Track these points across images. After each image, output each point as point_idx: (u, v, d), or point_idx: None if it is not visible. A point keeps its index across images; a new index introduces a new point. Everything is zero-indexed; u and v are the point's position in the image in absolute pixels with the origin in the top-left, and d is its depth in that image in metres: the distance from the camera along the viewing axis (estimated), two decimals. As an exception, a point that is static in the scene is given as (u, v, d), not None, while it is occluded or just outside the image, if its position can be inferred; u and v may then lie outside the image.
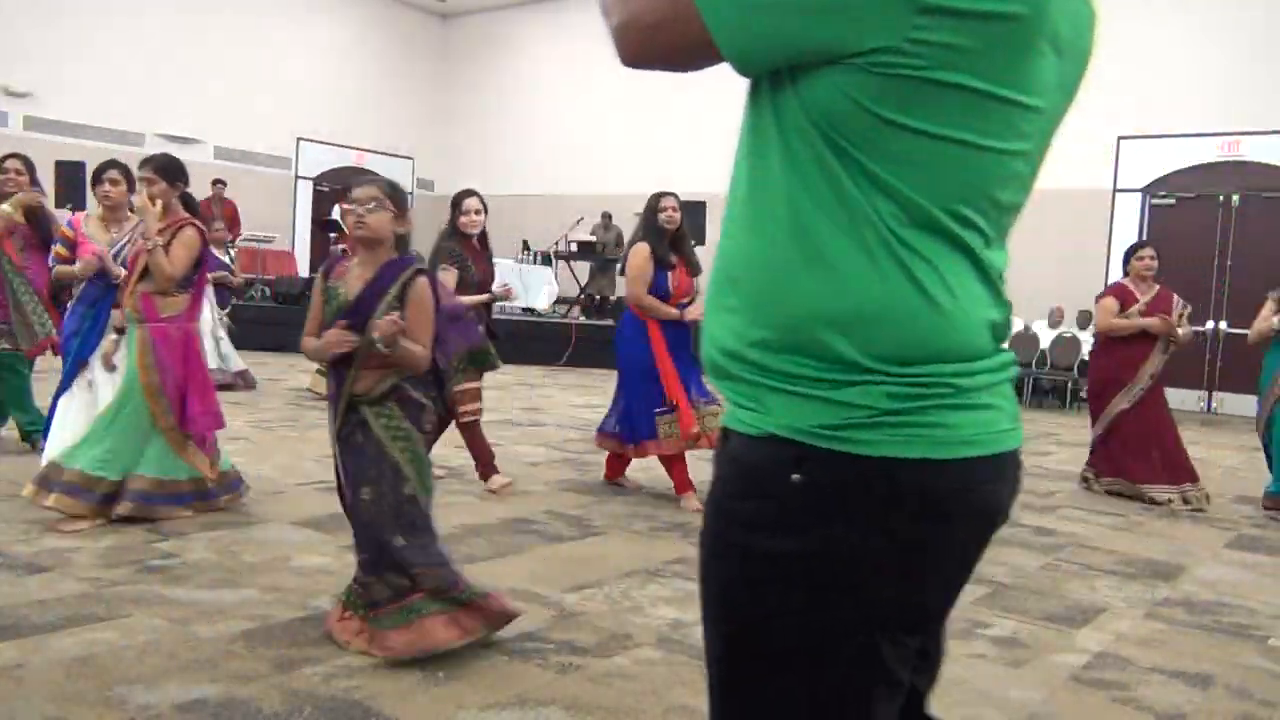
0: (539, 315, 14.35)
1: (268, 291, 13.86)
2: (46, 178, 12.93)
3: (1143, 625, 3.70)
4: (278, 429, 6.98)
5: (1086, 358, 12.00)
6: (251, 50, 16.34)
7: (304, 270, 16.21)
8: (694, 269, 5.38)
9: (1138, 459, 6.14)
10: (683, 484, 5.27)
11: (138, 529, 4.15)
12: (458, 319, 4.17)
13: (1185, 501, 5.98)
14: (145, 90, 15.16)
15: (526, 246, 14.95)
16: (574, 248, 14.60)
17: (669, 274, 5.23)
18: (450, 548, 3.14)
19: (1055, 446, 8.34)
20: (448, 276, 5.07)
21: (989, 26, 0.99)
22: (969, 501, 1.08)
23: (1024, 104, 1.05)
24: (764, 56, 1.05)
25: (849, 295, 1.04)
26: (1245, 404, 11.37)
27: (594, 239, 14.67)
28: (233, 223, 14.34)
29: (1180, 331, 6.16)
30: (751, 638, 1.12)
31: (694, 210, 13.77)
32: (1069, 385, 11.54)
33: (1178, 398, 11.56)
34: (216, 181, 14.36)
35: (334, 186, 17.58)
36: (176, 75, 15.49)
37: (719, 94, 14.89)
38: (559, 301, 14.89)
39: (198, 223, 4.52)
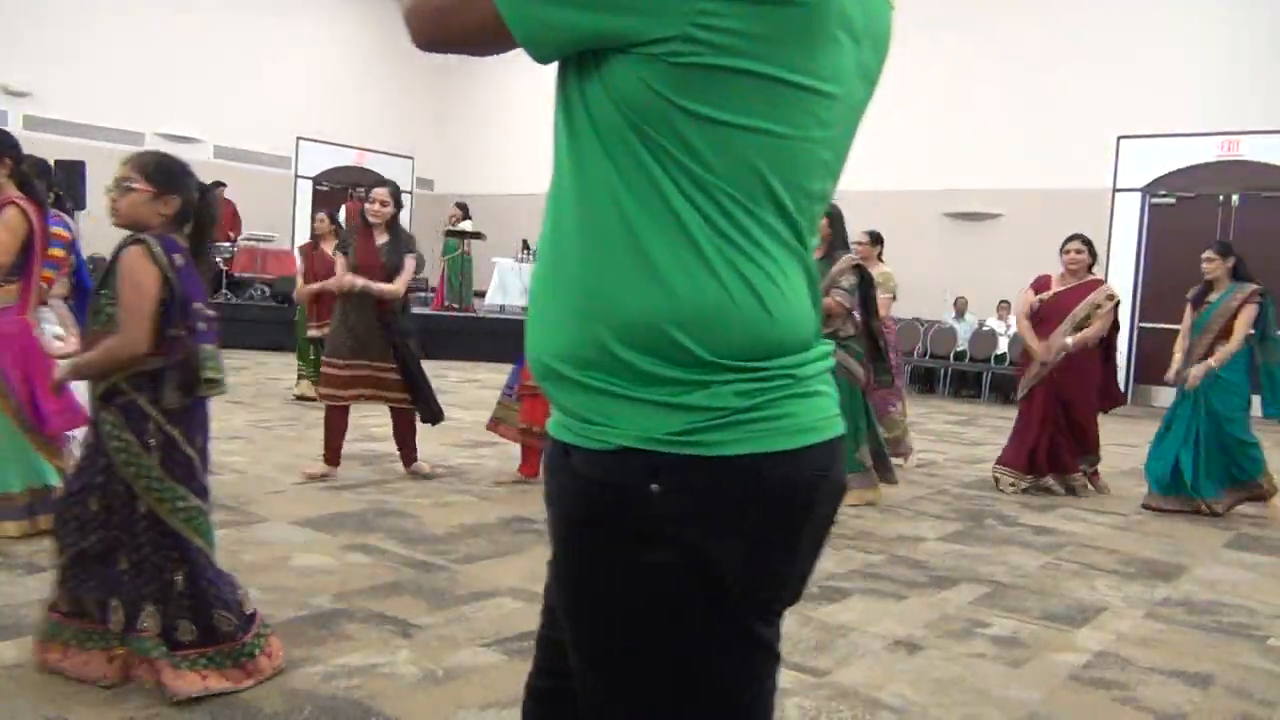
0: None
1: (267, 291, 13.86)
2: (46, 177, 12.86)
3: (1142, 625, 3.70)
4: (277, 428, 6.98)
5: None
6: (252, 50, 16.34)
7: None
8: None
9: (1018, 447, 6.22)
10: (532, 468, 5.41)
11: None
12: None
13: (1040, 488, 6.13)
14: (145, 90, 15.15)
15: (526, 246, 14.95)
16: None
17: None
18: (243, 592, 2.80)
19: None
20: (338, 261, 5.41)
21: (777, 12, 0.98)
22: (825, 484, 1.10)
23: (822, 91, 1.05)
24: (554, 43, 1.04)
25: (681, 294, 1.02)
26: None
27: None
28: (233, 222, 14.35)
29: (1049, 346, 6.10)
30: (640, 649, 1.09)
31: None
32: None
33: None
34: (216, 183, 14.34)
35: (334, 186, 17.59)
36: (176, 75, 15.49)
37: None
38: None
39: (26, 201, 4.05)
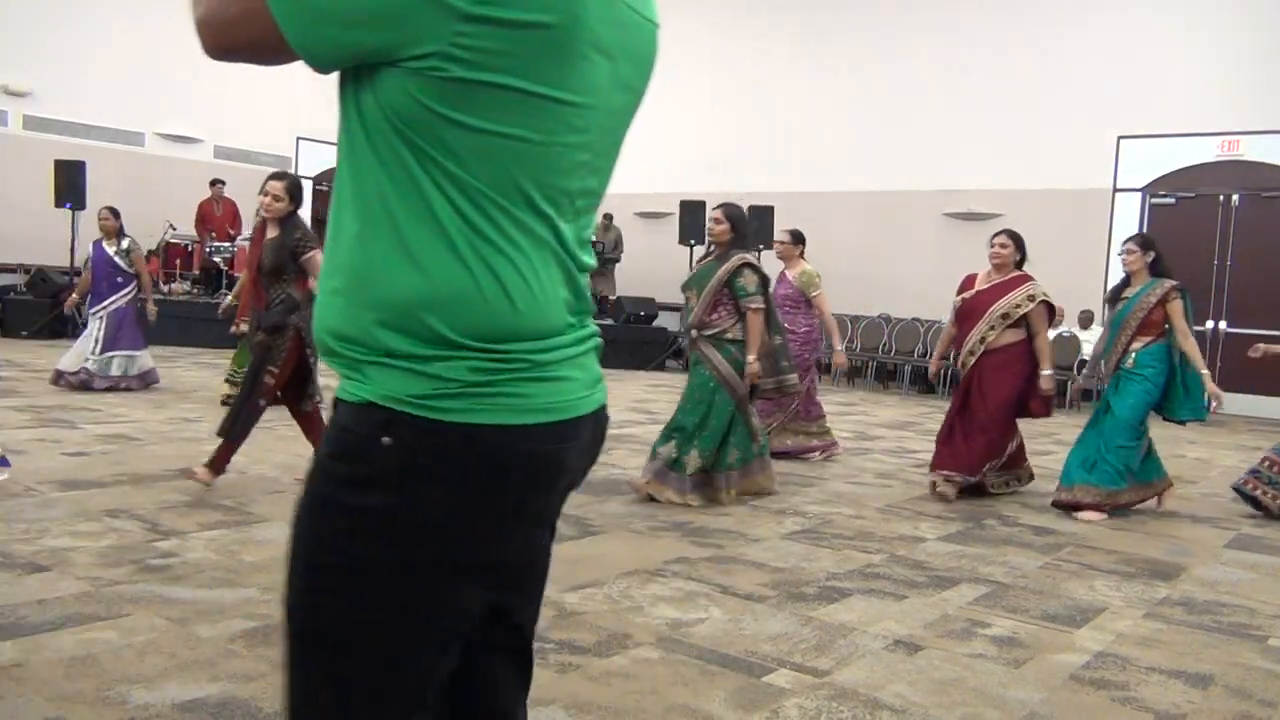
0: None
1: (267, 291, 13.84)
2: (46, 176, 12.99)
3: (1142, 625, 3.70)
4: (278, 428, 6.98)
5: (1086, 357, 12.01)
6: (251, 49, 16.33)
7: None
8: None
9: (942, 444, 6.03)
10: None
11: (137, 528, 4.15)
12: None
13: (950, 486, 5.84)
14: (145, 89, 15.15)
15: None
16: (573, 247, 14.59)
17: None
18: None
19: (1055, 446, 8.34)
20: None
21: (525, 34, 1.10)
22: (538, 461, 1.20)
23: (574, 102, 1.16)
24: (332, 56, 1.15)
25: (433, 281, 1.14)
26: (1245, 403, 11.39)
27: (594, 239, 14.66)
28: (233, 222, 14.35)
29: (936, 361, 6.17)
30: (336, 585, 1.19)
31: (694, 210, 13.83)
32: (1068, 384, 11.54)
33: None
34: (215, 181, 14.36)
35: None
36: (176, 74, 15.45)
37: (718, 95, 15.00)
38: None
39: None
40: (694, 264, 5.52)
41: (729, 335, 5.35)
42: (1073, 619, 3.72)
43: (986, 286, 6.00)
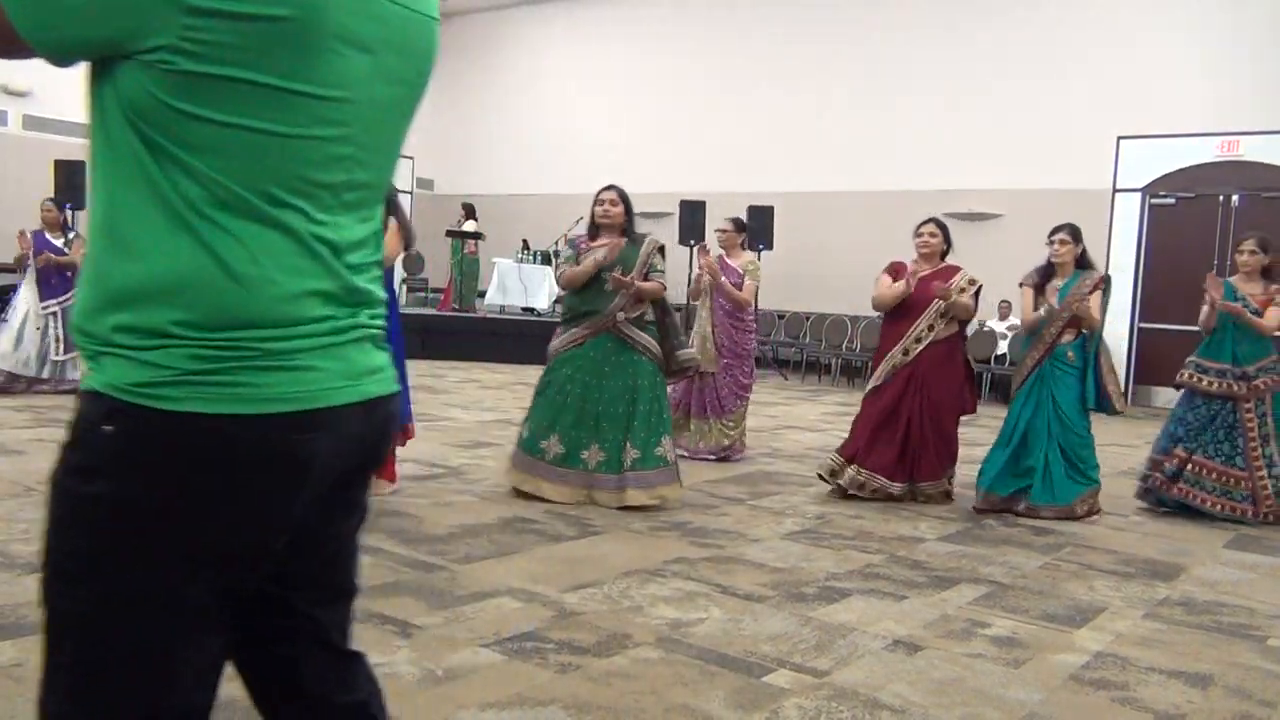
0: (538, 314, 14.36)
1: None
2: (45, 176, 12.98)
3: (1142, 625, 3.70)
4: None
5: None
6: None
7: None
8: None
9: (870, 444, 5.68)
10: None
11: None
12: None
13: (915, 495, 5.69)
14: (145, 89, 15.16)
15: (526, 246, 14.95)
16: (574, 247, 14.58)
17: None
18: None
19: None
20: None
21: (258, 27, 1.10)
22: (271, 451, 1.19)
23: (322, 95, 1.17)
24: (62, 49, 1.14)
25: (153, 271, 1.15)
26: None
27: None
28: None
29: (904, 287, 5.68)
30: (74, 570, 1.20)
31: (694, 209, 13.84)
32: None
33: (1174, 397, 11.57)
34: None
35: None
36: (176, 74, 15.49)
37: (718, 94, 14.99)
38: (558, 301, 14.88)
39: None
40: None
41: (647, 318, 5.31)
42: (1072, 619, 3.72)
43: (925, 275, 5.76)
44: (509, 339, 13.19)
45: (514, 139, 18.07)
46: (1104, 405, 5.60)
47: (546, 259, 14.90)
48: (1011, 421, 5.63)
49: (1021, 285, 5.75)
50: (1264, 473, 5.65)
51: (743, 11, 15.59)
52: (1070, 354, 5.55)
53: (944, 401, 5.70)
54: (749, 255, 7.08)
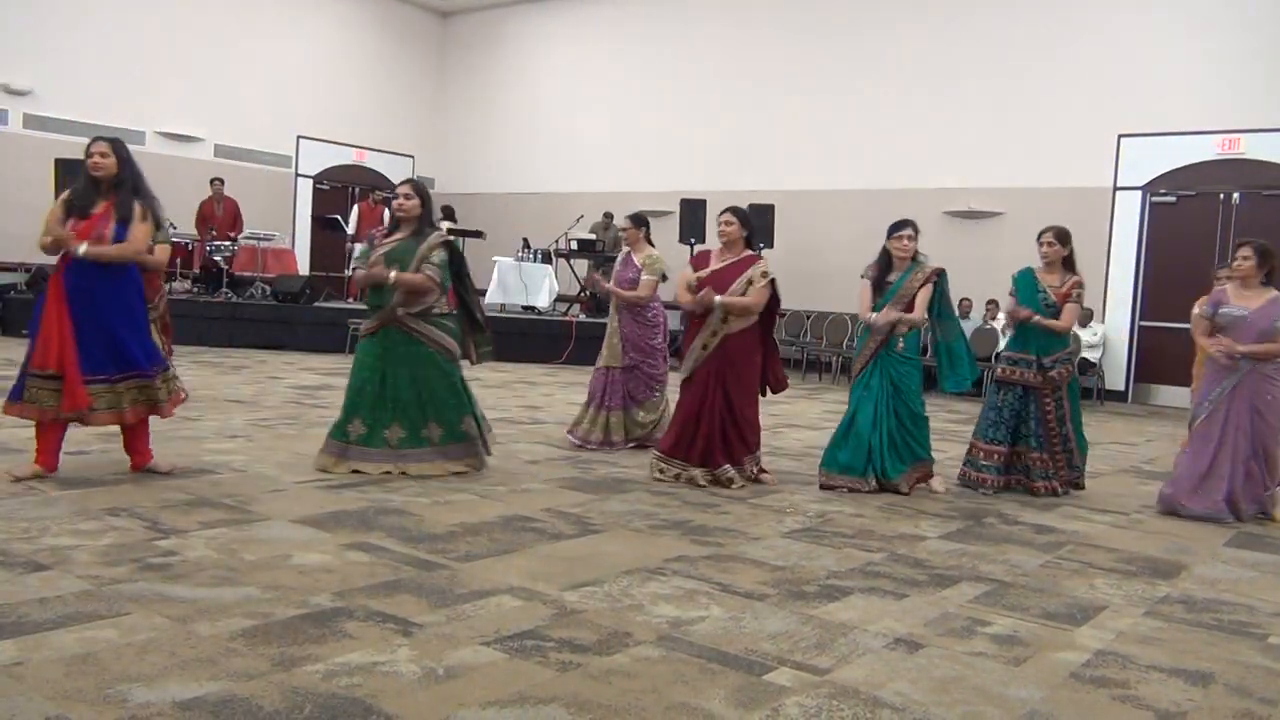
0: (539, 313, 14.36)
1: (267, 289, 13.85)
2: (46, 175, 12.98)
3: (1142, 623, 3.70)
4: (277, 427, 6.99)
5: (1085, 354, 12.00)
6: (252, 48, 16.34)
7: (305, 268, 16.20)
8: (121, 212, 4.87)
9: (680, 434, 5.77)
10: (45, 457, 4.95)
11: (138, 527, 4.15)
12: None
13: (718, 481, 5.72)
14: (145, 88, 15.15)
15: (526, 244, 14.96)
16: (574, 246, 14.61)
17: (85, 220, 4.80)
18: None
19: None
20: None
21: None
22: None
23: None
24: None
25: None
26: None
27: (594, 237, 14.67)
28: (233, 221, 14.35)
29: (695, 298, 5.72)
30: None
31: (694, 207, 13.84)
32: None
33: (1175, 395, 11.59)
34: (215, 180, 14.36)
35: (334, 185, 17.58)
36: (176, 73, 15.49)
37: (718, 93, 14.98)
38: (559, 299, 14.89)
39: None
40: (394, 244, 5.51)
41: (435, 310, 5.49)
42: (1073, 617, 3.72)
43: (722, 265, 5.78)
44: (510, 337, 13.17)
45: (514, 138, 18.06)
46: (945, 386, 6.00)
47: (547, 258, 14.92)
48: (851, 407, 5.91)
49: (861, 278, 5.94)
50: (1059, 447, 6.04)
51: (743, 10, 15.58)
52: (901, 344, 5.79)
53: (744, 389, 5.82)
54: (650, 250, 7.00)
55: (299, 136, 17.14)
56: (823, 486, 5.84)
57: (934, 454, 6.10)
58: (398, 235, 5.54)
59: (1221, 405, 5.65)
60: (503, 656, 2.98)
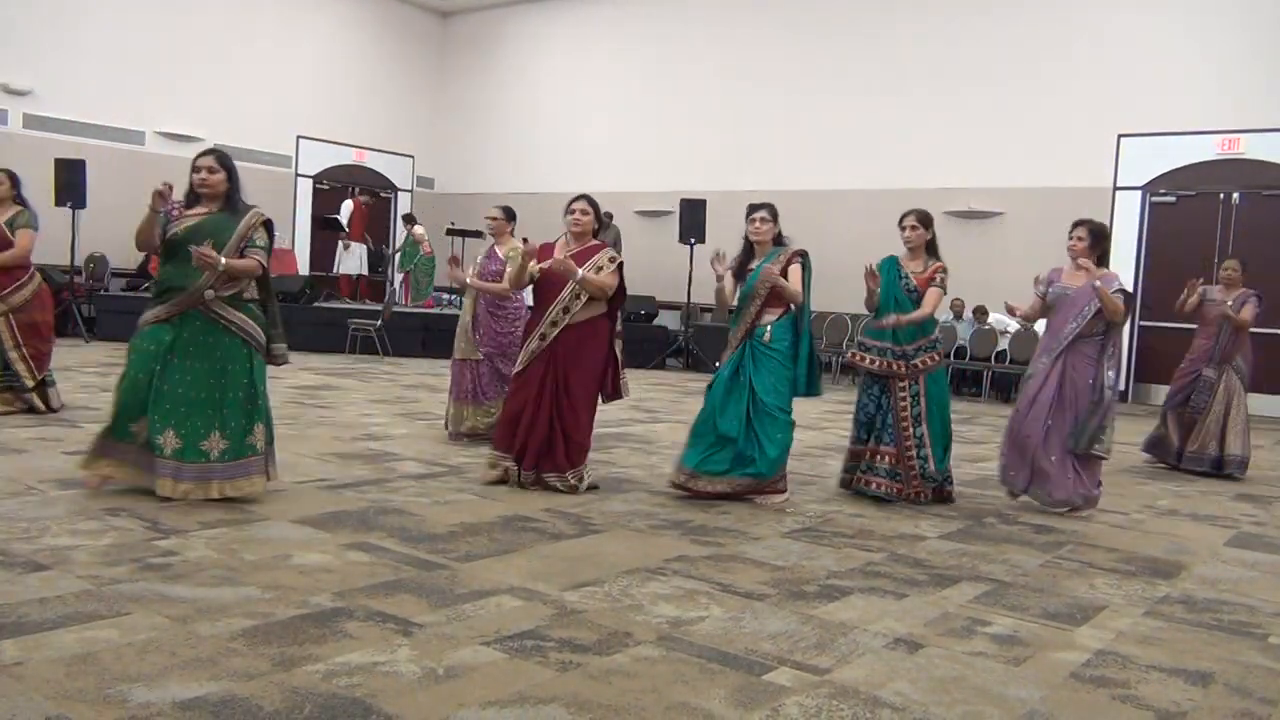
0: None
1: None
2: (46, 175, 12.96)
3: (1142, 623, 3.70)
4: (277, 426, 6.98)
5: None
6: (251, 48, 16.34)
7: (305, 268, 16.21)
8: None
9: (510, 429, 5.47)
10: None
11: (138, 527, 4.15)
12: None
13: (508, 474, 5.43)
14: (145, 88, 15.15)
15: (526, 244, 14.96)
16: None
17: None
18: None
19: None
20: None
21: None
22: None
23: None
24: None
25: None
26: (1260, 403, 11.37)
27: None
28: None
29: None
30: None
31: (694, 207, 13.84)
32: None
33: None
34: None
35: (334, 185, 17.58)
36: (176, 73, 15.48)
37: (718, 93, 14.94)
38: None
39: None
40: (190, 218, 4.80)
41: (246, 295, 4.85)
42: (1073, 617, 3.72)
43: (570, 253, 5.52)
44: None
45: (514, 138, 18.06)
46: (814, 389, 5.55)
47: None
48: (712, 401, 5.45)
49: (725, 269, 5.56)
50: (913, 452, 5.60)
51: (743, 10, 15.58)
52: (768, 335, 5.40)
53: (578, 388, 5.41)
54: (515, 243, 6.86)
55: (299, 136, 17.14)
56: (674, 485, 5.43)
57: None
58: (200, 209, 4.84)
59: (1038, 379, 5.71)
60: (503, 656, 2.98)
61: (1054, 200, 12.85)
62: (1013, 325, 12.26)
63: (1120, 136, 12.59)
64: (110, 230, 14.30)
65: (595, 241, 5.65)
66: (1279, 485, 7.15)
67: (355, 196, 16.44)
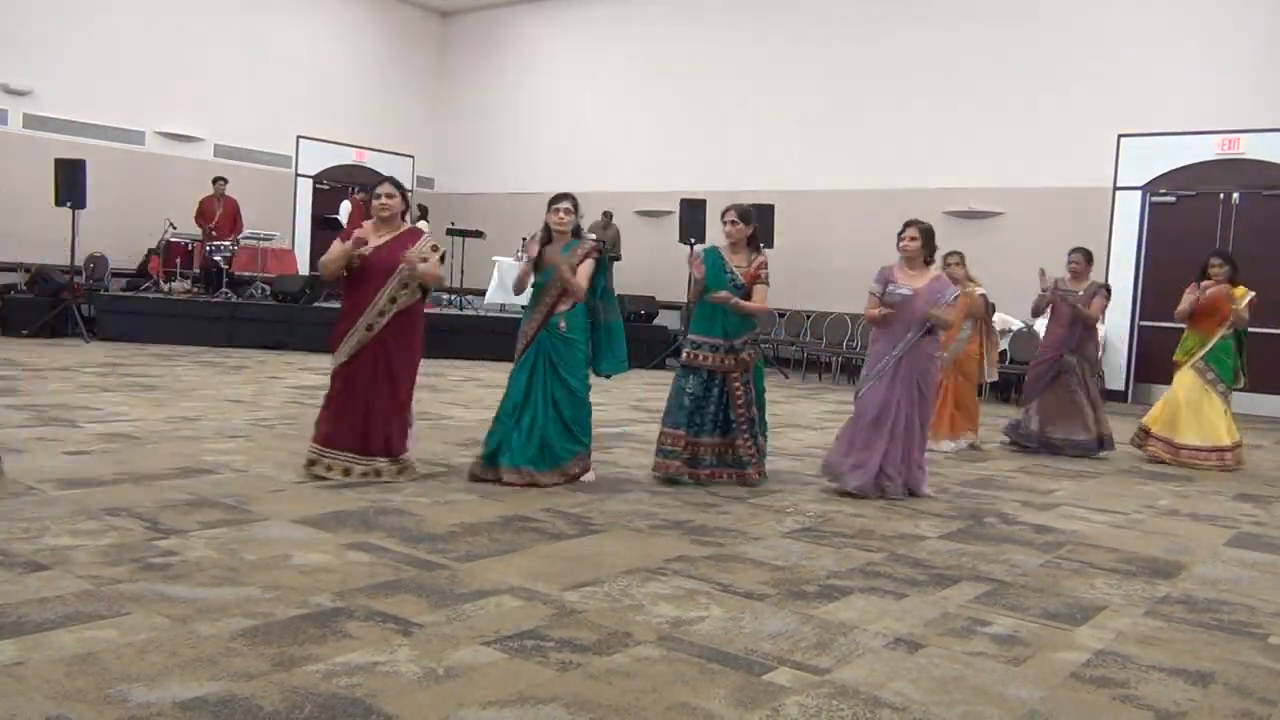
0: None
1: (267, 289, 13.85)
2: (46, 175, 12.97)
3: (1142, 623, 3.70)
4: (277, 426, 6.99)
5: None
6: (252, 48, 16.34)
7: (304, 268, 16.21)
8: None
9: (337, 423, 5.43)
10: None
11: (138, 527, 4.15)
12: None
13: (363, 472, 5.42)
14: (145, 88, 15.15)
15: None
16: (574, 245, 14.59)
17: None
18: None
19: (1055, 444, 8.32)
20: None
21: None
22: None
23: None
24: None
25: None
26: (1241, 400, 11.37)
27: (594, 237, 14.66)
28: (233, 221, 14.35)
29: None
30: None
31: (695, 207, 13.83)
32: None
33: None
34: (218, 179, 14.36)
35: (334, 184, 17.58)
36: (177, 73, 15.48)
37: (718, 93, 14.97)
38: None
39: None
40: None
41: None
42: (1073, 617, 3.72)
43: (382, 242, 5.48)
44: (510, 337, 13.17)
45: (514, 138, 18.05)
46: (601, 368, 5.78)
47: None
48: (513, 393, 5.59)
49: (527, 259, 5.85)
50: (749, 437, 5.85)
51: (743, 11, 15.58)
52: (563, 324, 5.58)
53: (403, 371, 5.50)
54: (432, 240, 6.85)
55: (299, 136, 17.14)
56: (475, 478, 5.52)
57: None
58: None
59: (884, 380, 5.75)
60: (503, 656, 2.98)
61: (1054, 200, 12.85)
62: (1014, 324, 12.25)
63: (1120, 136, 12.58)
64: (110, 230, 14.31)
65: (408, 227, 5.74)
66: (1279, 485, 7.15)
67: (354, 196, 16.44)
